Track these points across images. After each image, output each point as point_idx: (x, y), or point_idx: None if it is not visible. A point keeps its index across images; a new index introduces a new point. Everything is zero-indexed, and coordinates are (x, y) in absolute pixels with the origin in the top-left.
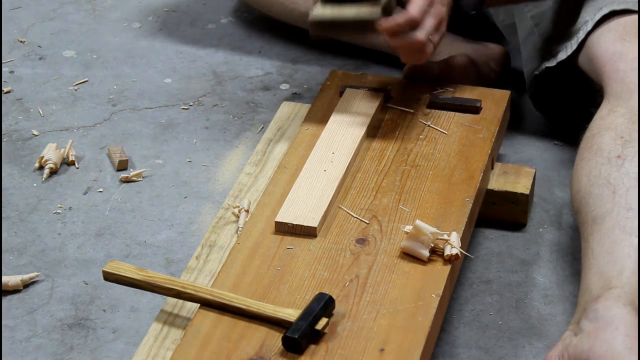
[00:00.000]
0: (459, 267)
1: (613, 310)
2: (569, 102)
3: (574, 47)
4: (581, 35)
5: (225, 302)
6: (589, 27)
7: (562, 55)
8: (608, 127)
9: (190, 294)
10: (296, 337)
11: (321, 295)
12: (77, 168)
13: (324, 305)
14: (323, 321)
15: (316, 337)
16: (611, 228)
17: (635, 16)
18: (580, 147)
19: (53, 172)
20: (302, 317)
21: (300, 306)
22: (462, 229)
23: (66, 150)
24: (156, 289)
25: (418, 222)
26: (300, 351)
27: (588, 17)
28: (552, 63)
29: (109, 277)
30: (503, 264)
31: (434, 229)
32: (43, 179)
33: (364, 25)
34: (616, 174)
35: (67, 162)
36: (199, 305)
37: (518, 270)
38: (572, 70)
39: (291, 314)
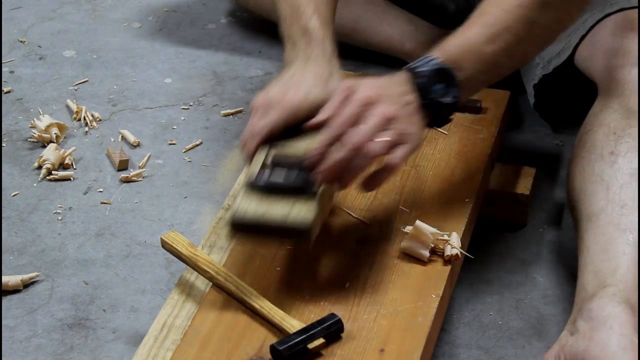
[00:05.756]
0: (459, 267)
1: (607, 309)
2: (573, 105)
3: (568, 52)
4: (573, 41)
5: (244, 297)
6: (581, 33)
7: (556, 62)
8: (601, 123)
9: (220, 281)
10: (280, 348)
11: (331, 316)
12: (75, 169)
13: (327, 326)
14: (318, 342)
15: (305, 355)
16: (605, 225)
17: (628, 11)
18: (575, 144)
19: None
20: (300, 331)
21: (299, 308)
22: (462, 229)
23: (66, 152)
24: (196, 267)
25: (418, 222)
26: None
27: (579, 22)
28: (547, 70)
29: (165, 245)
30: (503, 264)
31: (434, 230)
32: (39, 179)
33: (295, 234)
34: (609, 170)
35: (63, 165)
36: (199, 303)
37: (518, 270)
38: (572, 72)
39: (294, 326)
